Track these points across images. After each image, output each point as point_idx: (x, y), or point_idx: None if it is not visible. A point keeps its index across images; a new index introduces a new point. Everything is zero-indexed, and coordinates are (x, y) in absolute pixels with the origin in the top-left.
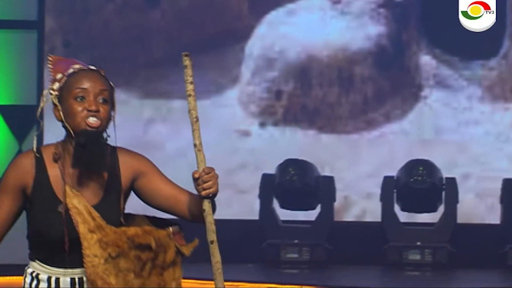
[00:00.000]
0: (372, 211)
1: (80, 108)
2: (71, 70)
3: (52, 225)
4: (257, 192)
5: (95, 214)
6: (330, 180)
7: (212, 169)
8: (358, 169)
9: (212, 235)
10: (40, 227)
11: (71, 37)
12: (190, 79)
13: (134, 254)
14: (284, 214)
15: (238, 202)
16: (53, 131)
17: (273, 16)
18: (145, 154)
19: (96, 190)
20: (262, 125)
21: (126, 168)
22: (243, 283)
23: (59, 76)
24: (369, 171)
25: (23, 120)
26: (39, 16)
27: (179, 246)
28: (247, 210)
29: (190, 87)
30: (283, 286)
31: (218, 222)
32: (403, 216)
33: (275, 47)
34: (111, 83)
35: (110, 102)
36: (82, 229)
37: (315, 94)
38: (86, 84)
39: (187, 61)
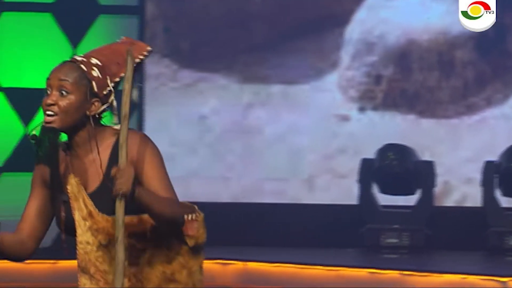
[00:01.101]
0: (473, 196)
1: (43, 102)
2: None
3: (58, 214)
4: (356, 176)
5: (88, 201)
6: (430, 165)
7: (128, 169)
8: (459, 154)
9: (118, 234)
10: (55, 217)
11: (172, 22)
12: (128, 74)
13: (127, 243)
14: (383, 199)
15: (337, 187)
16: (156, 115)
17: (373, 0)
18: (245, 138)
19: (95, 176)
20: (362, 109)
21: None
22: (343, 268)
23: None
24: (470, 156)
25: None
26: (140, 2)
27: (184, 236)
28: (346, 195)
29: (126, 85)
30: (383, 271)
31: (317, 207)
32: (505, 201)
33: (375, 32)
34: (93, 73)
35: (79, 93)
36: (76, 216)
37: (415, 78)
38: (49, 77)
39: (128, 58)
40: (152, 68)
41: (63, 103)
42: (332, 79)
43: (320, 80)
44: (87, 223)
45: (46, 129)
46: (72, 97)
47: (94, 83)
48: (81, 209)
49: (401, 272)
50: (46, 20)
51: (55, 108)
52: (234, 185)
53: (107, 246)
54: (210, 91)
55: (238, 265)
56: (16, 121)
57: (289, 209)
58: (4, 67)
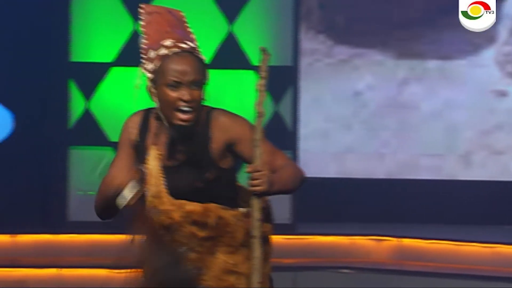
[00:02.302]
0: None
1: (173, 96)
2: (163, 51)
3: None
4: None
5: (160, 180)
6: None
7: (265, 167)
8: None
9: (255, 231)
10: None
11: None
12: (263, 74)
13: (188, 230)
14: None
15: (494, 163)
16: (310, 91)
17: None
18: (400, 114)
19: (180, 152)
20: None
21: (219, 131)
22: (499, 245)
23: (152, 54)
24: None
25: (279, 80)
26: None
27: (249, 229)
28: (503, 172)
29: (261, 82)
30: None
31: (473, 183)
32: None
33: None
34: (203, 58)
35: (204, 83)
36: (148, 191)
37: None
38: (179, 71)
39: (263, 56)
40: (307, 44)
41: (197, 97)
42: (489, 55)
43: (477, 56)
44: (155, 201)
45: (184, 129)
46: (202, 89)
47: (206, 71)
48: (152, 185)
49: None
50: None
51: (193, 104)
52: (389, 161)
53: (168, 229)
54: (365, 66)
55: (392, 241)
56: None
57: (445, 186)
58: None
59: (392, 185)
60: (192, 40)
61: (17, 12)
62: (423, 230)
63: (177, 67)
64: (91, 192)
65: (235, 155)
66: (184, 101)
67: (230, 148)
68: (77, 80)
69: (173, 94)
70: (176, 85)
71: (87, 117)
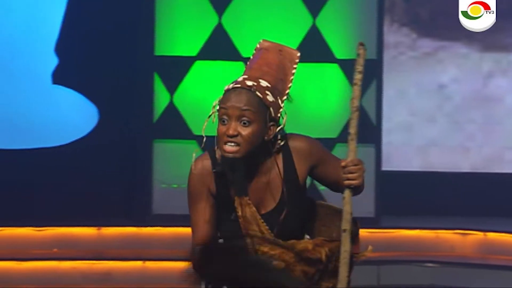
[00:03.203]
0: None
1: (221, 130)
2: (231, 85)
3: (228, 232)
4: None
5: (264, 226)
6: None
7: (360, 161)
8: None
9: (346, 224)
10: (221, 233)
11: None
12: (359, 68)
13: (300, 269)
14: None
15: None
16: (394, 84)
17: None
18: (484, 107)
19: (272, 195)
20: None
21: (302, 161)
22: None
23: (225, 87)
24: None
25: (363, 74)
26: None
27: (353, 254)
28: None
29: (358, 76)
30: None
31: None
32: None
33: None
34: (269, 98)
35: (260, 121)
36: (249, 239)
37: None
38: (227, 106)
39: (361, 50)
40: (391, 37)
41: (245, 133)
42: None
43: None
44: (262, 248)
45: (228, 159)
46: (254, 126)
47: (271, 109)
48: (256, 233)
49: None
50: None
51: (238, 139)
52: (474, 155)
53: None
54: (450, 59)
55: (478, 235)
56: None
57: None
58: (246, 39)
59: (477, 178)
60: (282, 81)
61: (102, 7)
62: (509, 224)
63: (227, 100)
64: (174, 185)
65: (314, 178)
66: (228, 135)
67: (310, 172)
68: (161, 74)
69: (221, 128)
70: (225, 119)
71: (171, 110)
